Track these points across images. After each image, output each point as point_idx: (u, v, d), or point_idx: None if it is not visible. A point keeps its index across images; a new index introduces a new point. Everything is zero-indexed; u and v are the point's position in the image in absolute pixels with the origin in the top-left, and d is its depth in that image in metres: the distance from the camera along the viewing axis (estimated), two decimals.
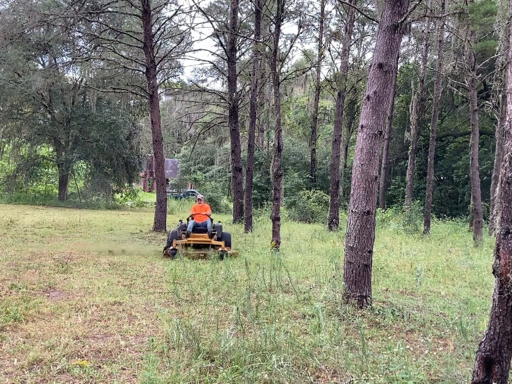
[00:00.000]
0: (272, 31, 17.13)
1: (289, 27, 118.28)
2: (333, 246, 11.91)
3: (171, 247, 9.73)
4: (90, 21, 17.85)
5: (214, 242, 10.18)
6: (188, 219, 11.00)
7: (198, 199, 11.29)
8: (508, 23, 13.32)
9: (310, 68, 19.08)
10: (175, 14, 18.32)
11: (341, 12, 23.86)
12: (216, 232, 10.52)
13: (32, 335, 4.58)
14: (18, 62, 23.05)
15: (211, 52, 26.59)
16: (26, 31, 16.73)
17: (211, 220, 10.85)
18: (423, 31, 24.41)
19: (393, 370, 3.81)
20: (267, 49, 13.33)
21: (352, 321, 5.34)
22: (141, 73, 18.82)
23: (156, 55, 16.09)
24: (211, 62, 25.84)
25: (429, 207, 18.32)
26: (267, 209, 24.98)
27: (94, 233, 13.74)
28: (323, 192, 26.06)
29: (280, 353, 4.10)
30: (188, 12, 26.35)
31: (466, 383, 3.67)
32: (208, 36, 21.97)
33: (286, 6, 22.28)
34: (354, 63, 26.52)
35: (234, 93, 19.09)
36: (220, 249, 9.82)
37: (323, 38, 27.93)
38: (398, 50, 6.30)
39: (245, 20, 27.82)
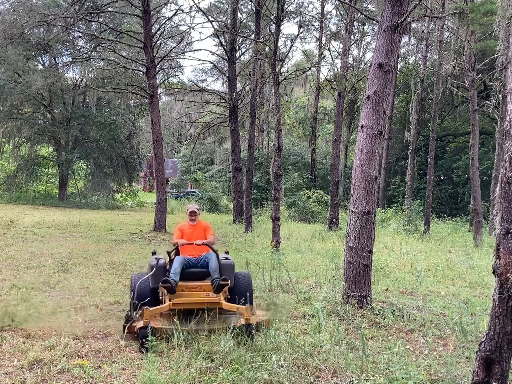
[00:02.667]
0: (272, 31, 17.13)
1: (289, 27, 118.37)
2: (333, 246, 11.90)
3: (142, 324, 4.41)
4: (90, 21, 17.83)
5: (225, 304, 5.05)
6: (170, 254, 5.59)
7: (191, 213, 5.90)
8: (508, 23, 13.31)
9: (310, 68, 19.10)
10: (175, 14, 18.34)
11: (341, 12, 23.85)
12: (226, 279, 5.15)
13: (32, 335, 4.59)
14: (18, 62, 23.00)
15: (211, 52, 26.63)
16: (26, 31, 16.70)
17: (215, 252, 5.55)
18: (423, 31, 24.40)
19: (393, 370, 3.81)
20: (267, 49, 13.33)
21: (352, 321, 5.34)
22: (141, 73, 18.81)
23: (156, 55, 16.08)
24: (211, 62, 25.89)
25: (429, 207, 18.30)
26: (267, 209, 24.97)
27: (94, 233, 13.74)
28: (323, 192, 26.05)
29: (280, 353, 4.10)
30: (188, 12, 26.42)
31: (466, 383, 3.67)
32: (208, 36, 22.04)
33: (286, 6, 22.28)
34: (354, 63, 26.54)
35: (234, 93, 19.09)
36: (241, 320, 4.64)
37: (323, 38, 27.92)
38: (398, 50, 6.30)
39: (245, 20, 27.81)
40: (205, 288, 5.19)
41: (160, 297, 5.19)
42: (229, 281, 5.12)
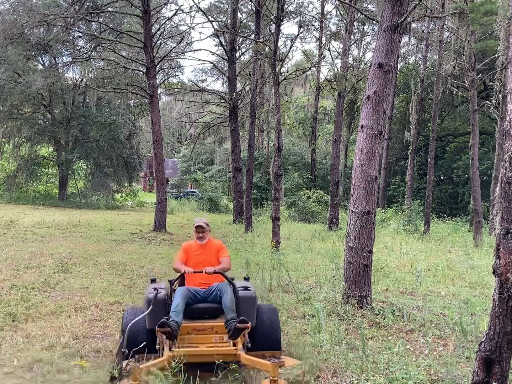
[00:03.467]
0: (272, 31, 17.13)
1: (289, 27, 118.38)
2: (333, 246, 11.90)
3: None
4: (90, 21, 17.83)
5: (245, 357, 3.72)
6: (173, 284, 4.31)
7: (197, 228, 4.61)
8: (508, 23, 13.31)
9: (310, 68, 19.06)
10: (175, 14, 18.34)
11: (341, 12, 23.86)
12: (246, 321, 3.83)
13: (32, 335, 4.59)
14: (18, 62, 23.01)
15: (211, 52, 26.64)
16: (26, 31, 16.69)
17: (231, 282, 4.25)
18: (423, 31, 24.41)
19: (393, 370, 3.81)
20: (267, 49, 13.33)
21: (352, 321, 5.34)
22: (141, 73, 18.81)
23: (156, 55, 16.08)
24: (211, 62, 25.88)
25: (429, 207, 18.31)
26: (267, 209, 24.98)
27: (94, 233, 13.74)
28: (323, 192, 26.06)
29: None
30: (188, 12, 26.43)
31: (466, 383, 3.67)
32: (208, 36, 22.04)
33: (286, 6, 22.28)
34: (354, 63, 26.52)
35: (234, 93, 19.08)
36: (266, 381, 3.41)
37: (323, 38, 27.92)
38: (398, 50, 6.30)
39: (245, 20, 27.81)
40: (218, 330, 3.94)
41: (158, 345, 3.86)
42: (249, 324, 3.78)
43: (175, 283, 4.31)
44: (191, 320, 3.99)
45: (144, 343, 3.71)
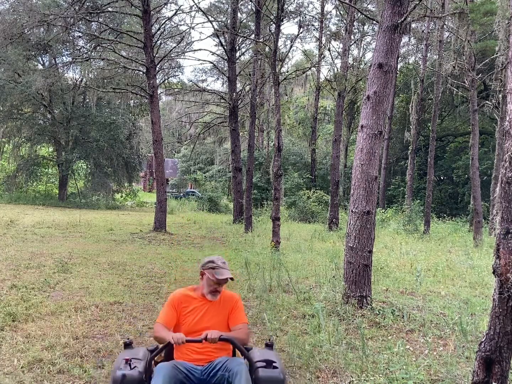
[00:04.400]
0: (272, 31, 17.12)
1: (289, 27, 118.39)
2: (333, 246, 11.90)
3: None
4: (90, 21, 17.83)
5: None
6: (154, 356, 2.67)
7: (219, 281, 2.84)
8: (508, 23, 13.31)
9: (310, 68, 19.05)
10: (175, 14, 18.35)
11: (341, 12, 23.85)
12: None
13: (32, 335, 4.58)
14: (18, 62, 23.00)
15: (211, 52, 26.64)
16: (26, 31, 16.69)
17: (247, 357, 2.68)
18: (423, 31, 24.42)
19: (393, 370, 3.81)
20: (267, 49, 13.33)
21: (352, 321, 5.34)
22: (141, 73, 18.81)
23: (156, 55, 16.08)
24: (211, 62, 25.88)
25: (429, 207, 18.31)
26: (267, 209, 24.98)
27: (94, 233, 13.74)
28: (323, 192, 26.05)
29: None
30: (188, 12, 26.43)
31: (466, 383, 3.67)
32: (208, 36, 22.04)
33: (286, 6, 22.27)
34: (354, 63, 26.50)
35: (234, 93, 19.09)
36: None
37: (323, 38, 27.92)
38: (398, 50, 6.30)
39: (245, 20, 27.82)
40: None
41: None
42: None
43: (160, 354, 2.77)
44: None
45: None
